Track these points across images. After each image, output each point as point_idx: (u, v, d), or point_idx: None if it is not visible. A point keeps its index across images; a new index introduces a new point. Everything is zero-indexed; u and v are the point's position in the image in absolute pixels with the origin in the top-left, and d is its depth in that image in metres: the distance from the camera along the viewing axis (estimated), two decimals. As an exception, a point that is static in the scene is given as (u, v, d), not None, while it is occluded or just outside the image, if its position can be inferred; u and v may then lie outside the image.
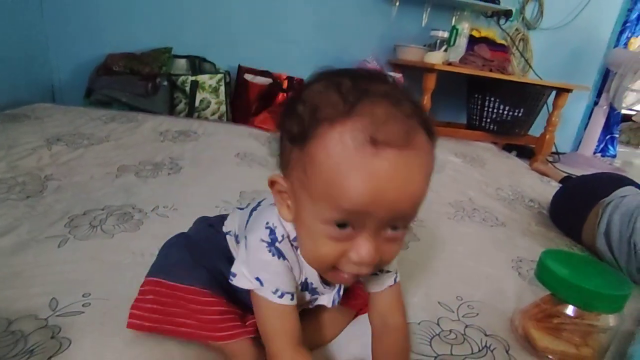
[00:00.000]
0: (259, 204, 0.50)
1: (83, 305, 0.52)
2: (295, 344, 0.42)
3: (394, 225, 0.36)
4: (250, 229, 0.46)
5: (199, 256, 0.51)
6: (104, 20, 1.80)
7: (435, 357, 0.50)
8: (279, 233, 0.42)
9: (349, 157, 0.32)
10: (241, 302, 0.50)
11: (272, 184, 0.40)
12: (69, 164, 0.99)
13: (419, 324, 0.55)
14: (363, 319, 0.56)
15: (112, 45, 1.77)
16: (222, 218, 0.58)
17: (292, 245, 0.42)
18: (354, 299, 0.56)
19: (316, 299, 0.48)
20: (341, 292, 0.47)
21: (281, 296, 0.41)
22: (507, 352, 0.52)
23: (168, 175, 1.00)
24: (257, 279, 0.41)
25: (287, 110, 0.37)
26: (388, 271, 0.48)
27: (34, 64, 1.71)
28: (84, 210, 0.77)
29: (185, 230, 0.59)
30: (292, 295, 0.42)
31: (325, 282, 0.45)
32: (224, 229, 0.56)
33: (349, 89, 0.34)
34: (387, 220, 0.35)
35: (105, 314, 0.51)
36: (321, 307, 0.50)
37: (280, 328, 0.42)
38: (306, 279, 0.45)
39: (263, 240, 0.42)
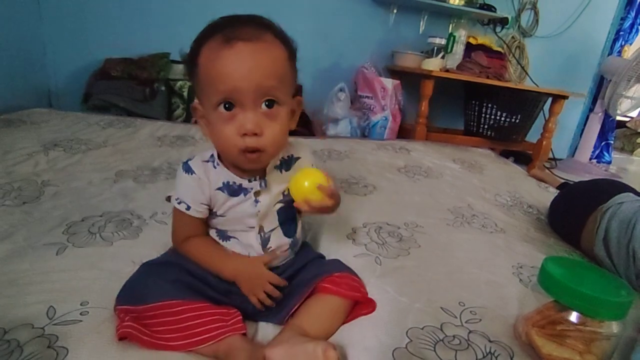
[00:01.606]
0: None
1: (81, 314, 0.51)
2: (189, 237, 0.58)
3: (267, 102, 0.50)
4: None
5: (163, 272, 0.54)
6: (101, 25, 1.80)
7: (439, 365, 0.49)
8: (194, 155, 0.58)
9: (214, 54, 0.48)
10: (223, 295, 0.54)
11: (194, 110, 0.55)
12: (66, 170, 0.99)
13: (422, 328, 0.55)
14: (365, 321, 0.57)
15: (110, 50, 1.76)
16: None
17: (203, 161, 0.56)
18: (337, 285, 0.57)
19: (252, 196, 0.57)
20: (266, 178, 0.57)
21: (179, 203, 0.56)
22: (511, 358, 0.51)
23: (166, 180, 0.99)
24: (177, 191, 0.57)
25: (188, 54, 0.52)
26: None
27: (30, 68, 1.70)
28: (82, 217, 0.76)
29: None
30: (188, 206, 0.55)
31: (243, 177, 0.56)
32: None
33: (218, 23, 0.50)
34: (256, 94, 0.48)
35: (103, 323, 0.50)
36: (318, 299, 0.56)
37: (179, 226, 0.58)
38: (227, 182, 0.56)
39: (182, 161, 0.57)
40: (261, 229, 0.58)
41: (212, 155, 0.57)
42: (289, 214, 0.61)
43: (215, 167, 0.56)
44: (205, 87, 0.50)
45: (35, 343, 0.46)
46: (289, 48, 0.52)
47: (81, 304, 0.53)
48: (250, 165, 0.54)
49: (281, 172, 0.59)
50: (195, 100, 0.54)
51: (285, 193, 0.59)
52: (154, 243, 0.69)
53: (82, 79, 1.70)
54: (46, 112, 1.43)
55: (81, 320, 0.50)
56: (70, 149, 1.10)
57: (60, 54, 1.78)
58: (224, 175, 0.56)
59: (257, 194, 0.57)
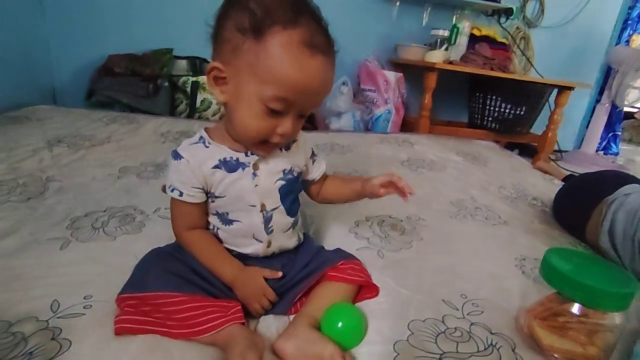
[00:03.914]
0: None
1: (84, 307, 0.52)
2: (189, 227, 0.57)
3: (302, 114, 0.52)
4: None
5: (168, 263, 0.55)
6: (105, 21, 1.80)
7: (441, 355, 0.49)
8: (182, 143, 0.57)
9: (294, 54, 0.46)
10: (223, 293, 0.54)
11: (211, 69, 0.50)
12: (70, 166, 0.99)
13: (423, 321, 0.55)
14: (367, 314, 0.56)
15: (113, 46, 1.77)
16: None
17: (191, 144, 0.56)
18: (342, 272, 0.59)
19: (251, 169, 0.56)
20: (259, 154, 0.56)
21: (172, 190, 0.55)
22: (513, 350, 0.51)
23: (169, 176, 1.00)
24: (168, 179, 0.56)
25: (237, 6, 0.47)
26: (316, 154, 0.66)
27: (34, 65, 1.71)
28: (85, 212, 0.77)
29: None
30: (181, 192, 0.54)
31: (240, 151, 0.55)
32: None
33: (291, 2, 0.47)
34: (306, 107, 0.50)
35: (106, 316, 0.50)
36: (325, 286, 0.57)
37: (177, 215, 0.57)
38: (223, 158, 0.55)
39: (173, 150, 0.56)
40: (263, 207, 0.57)
41: (201, 137, 0.56)
42: (291, 191, 0.60)
43: (207, 147, 0.55)
44: (264, 75, 0.46)
45: (40, 335, 0.47)
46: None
47: (85, 298, 0.53)
48: (262, 153, 0.55)
49: (280, 150, 0.59)
50: (218, 63, 0.49)
51: (286, 171, 0.59)
52: (157, 238, 0.69)
53: (85, 76, 1.71)
54: (50, 108, 1.44)
55: (84, 314, 0.51)
56: (74, 145, 1.11)
57: (64, 51, 1.79)
58: (219, 152, 0.55)
59: (255, 166, 0.56)
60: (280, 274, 0.57)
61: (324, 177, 0.69)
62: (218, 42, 0.50)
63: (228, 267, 0.56)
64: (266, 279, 0.57)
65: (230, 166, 0.55)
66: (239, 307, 0.52)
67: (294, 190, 0.61)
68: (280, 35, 0.45)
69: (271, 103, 0.47)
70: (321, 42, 0.47)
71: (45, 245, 0.65)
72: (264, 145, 0.53)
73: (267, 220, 0.58)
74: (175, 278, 0.52)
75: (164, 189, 0.59)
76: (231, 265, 0.56)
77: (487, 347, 0.51)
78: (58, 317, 0.50)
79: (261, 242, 0.58)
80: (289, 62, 0.46)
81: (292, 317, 0.57)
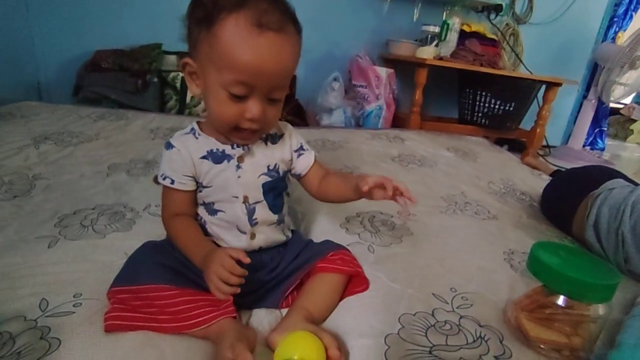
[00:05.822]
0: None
1: (74, 306, 0.51)
2: (176, 214, 0.58)
3: (272, 97, 0.51)
4: None
5: (161, 256, 0.55)
6: (91, 15, 1.77)
7: (431, 348, 0.50)
8: (175, 134, 0.59)
9: (242, 36, 0.46)
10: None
11: (184, 65, 0.53)
12: (58, 163, 0.98)
13: (414, 314, 0.56)
14: (358, 308, 0.57)
15: (100, 41, 1.74)
16: None
17: (182, 135, 0.58)
18: (332, 262, 0.60)
19: (237, 164, 0.57)
20: (248, 147, 0.58)
21: (164, 179, 0.57)
22: (501, 342, 0.52)
23: (159, 173, 0.99)
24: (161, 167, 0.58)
25: (194, 1, 0.50)
26: (305, 149, 0.65)
27: (18, 60, 1.67)
28: (74, 210, 0.76)
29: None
30: (172, 180, 0.56)
31: (226, 143, 0.57)
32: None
33: None
34: (269, 89, 0.50)
35: (96, 314, 0.50)
36: (316, 279, 0.58)
37: (167, 203, 0.59)
38: (210, 149, 0.57)
39: (166, 141, 0.58)
40: (246, 199, 0.58)
41: (192, 129, 0.59)
42: (274, 188, 0.60)
43: (196, 138, 0.57)
44: (219, 62, 0.48)
45: (28, 335, 0.46)
46: (300, 40, 0.53)
47: (74, 296, 0.53)
48: (240, 141, 0.56)
49: (266, 144, 0.60)
50: (188, 59, 0.52)
51: (271, 167, 0.60)
52: (147, 235, 0.68)
53: (72, 71, 1.68)
54: (36, 105, 1.41)
55: (74, 312, 0.50)
56: (61, 142, 1.09)
57: (49, 46, 1.75)
58: (207, 143, 0.57)
59: (240, 159, 0.57)
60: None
61: (322, 173, 0.66)
62: (188, 40, 0.53)
63: (200, 249, 0.52)
64: (257, 272, 0.57)
65: (216, 157, 0.57)
66: (231, 300, 0.52)
67: (278, 188, 0.62)
68: (227, 20, 0.46)
69: (231, 88, 0.48)
70: (272, 20, 0.47)
71: (33, 244, 0.64)
72: (239, 133, 0.54)
73: (250, 212, 0.58)
74: (167, 271, 0.52)
75: (155, 180, 0.60)
76: (203, 248, 0.52)
77: (475, 339, 0.52)
78: (47, 316, 0.49)
79: (245, 233, 0.59)
80: (237, 44, 0.47)
81: (283, 310, 0.58)
